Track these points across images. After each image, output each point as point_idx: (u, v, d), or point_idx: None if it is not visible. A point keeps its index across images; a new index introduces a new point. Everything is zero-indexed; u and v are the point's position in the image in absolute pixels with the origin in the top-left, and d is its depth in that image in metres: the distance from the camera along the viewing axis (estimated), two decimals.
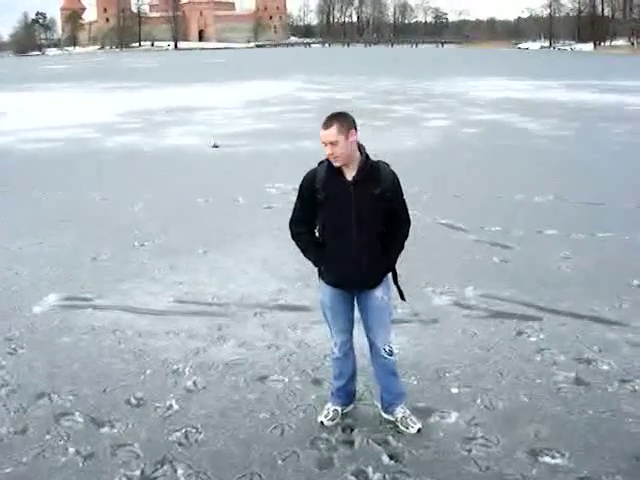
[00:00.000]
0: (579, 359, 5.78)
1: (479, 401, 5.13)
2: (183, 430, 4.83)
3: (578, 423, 4.83)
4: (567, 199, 11.46)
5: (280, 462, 4.45)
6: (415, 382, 5.41)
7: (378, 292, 4.65)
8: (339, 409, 4.95)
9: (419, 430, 4.74)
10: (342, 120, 4.36)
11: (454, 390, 5.30)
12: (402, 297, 4.84)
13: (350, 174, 4.47)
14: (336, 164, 4.44)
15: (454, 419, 4.90)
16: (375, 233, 4.54)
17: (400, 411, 4.85)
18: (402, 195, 4.60)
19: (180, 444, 4.67)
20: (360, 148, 4.50)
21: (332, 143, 4.34)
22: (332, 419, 4.89)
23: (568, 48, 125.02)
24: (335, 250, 4.59)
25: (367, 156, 4.50)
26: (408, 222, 4.69)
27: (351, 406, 5.03)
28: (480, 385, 5.36)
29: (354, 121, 4.42)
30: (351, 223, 4.48)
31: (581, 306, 6.88)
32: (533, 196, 11.61)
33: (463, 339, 6.19)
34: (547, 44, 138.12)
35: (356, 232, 4.48)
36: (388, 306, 4.74)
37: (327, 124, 4.36)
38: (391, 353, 4.78)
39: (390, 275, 4.73)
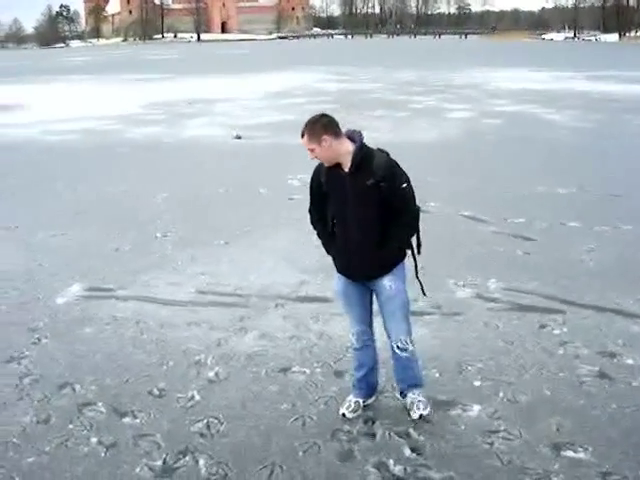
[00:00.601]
0: (602, 353, 5.72)
1: (501, 394, 5.10)
2: (205, 421, 4.84)
3: (601, 417, 4.79)
4: (590, 191, 11.36)
5: (301, 453, 4.45)
6: (437, 375, 5.39)
7: (386, 281, 4.65)
8: (360, 401, 4.94)
9: (420, 416, 4.76)
10: (311, 129, 4.45)
11: (476, 383, 5.27)
12: (423, 292, 4.84)
13: (346, 166, 4.51)
14: (325, 164, 4.60)
15: (476, 412, 4.88)
16: (371, 224, 4.55)
17: (410, 397, 4.87)
18: (402, 185, 4.48)
19: (201, 435, 4.68)
20: (354, 137, 4.51)
21: (309, 149, 4.50)
22: (353, 411, 4.88)
23: (593, 39, 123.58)
24: (339, 240, 4.72)
25: (362, 145, 4.49)
26: (410, 212, 4.56)
27: (372, 398, 5.02)
28: (502, 378, 5.32)
29: (327, 124, 4.45)
30: (347, 214, 4.58)
31: (605, 299, 6.82)
32: (556, 188, 11.53)
33: (485, 332, 6.15)
34: (571, 35, 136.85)
35: (353, 222, 4.57)
36: (398, 296, 4.68)
37: (301, 133, 4.51)
38: (404, 349, 4.75)
39: (404, 265, 4.70)
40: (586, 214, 9.88)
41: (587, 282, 7.32)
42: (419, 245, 4.73)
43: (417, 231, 4.67)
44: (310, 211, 4.93)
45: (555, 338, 6.00)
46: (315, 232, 4.95)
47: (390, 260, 4.65)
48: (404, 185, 4.49)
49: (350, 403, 4.92)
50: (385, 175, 4.44)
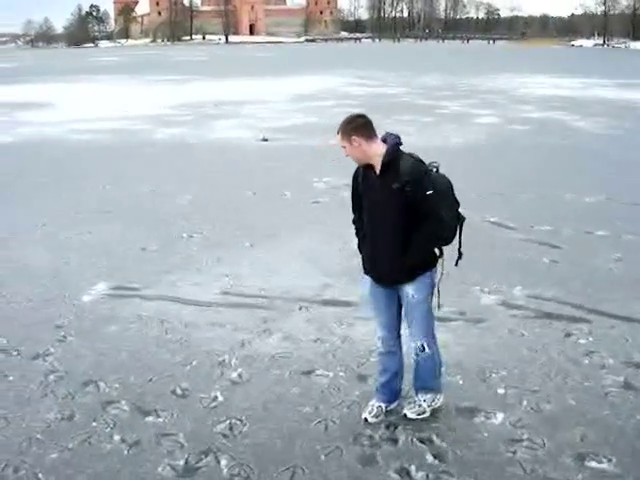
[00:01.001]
0: (628, 363, 5.67)
1: (525, 403, 5.07)
2: (227, 422, 4.85)
3: (626, 428, 4.74)
4: (618, 200, 11.26)
5: (323, 457, 4.45)
6: (460, 381, 5.37)
7: (409, 289, 4.66)
8: (383, 406, 4.93)
9: (405, 415, 4.82)
10: (344, 128, 4.56)
11: (500, 391, 5.24)
12: (438, 305, 4.80)
13: (377, 168, 4.57)
14: (356, 163, 4.73)
15: (500, 420, 4.85)
16: (396, 229, 4.56)
17: (416, 397, 4.92)
18: (427, 191, 4.41)
19: (224, 435, 4.70)
20: (387, 140, 4.56)
21: (342, 147, 4.62)
22: (376, 416, 4.87)
23: (622, 46, 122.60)
24: (367, 241, 4.81)
25: (392, 149, 4.52)
26: (435, 222, 4.48)
27: (395, 403, 5.00)
28: (526, 386, 5.29)
29: (360, 125, 4.54)
30: (376, 216, 4.66)
31: (631, 309, 6.75)
32: (583, 196, 11.44)
33: (510, 339, 6.12)
34: (601, 42, 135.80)
35: (379, 225, 4.64)
36: (419, 306, 4.68)
37: (337, 130, 4.61)
38: (422, 352, 4.76)
39: (432, 274, 4.69)
40: (613, 223, 9.79)
41: (614, 291, 7.26)
42: (459, 256, 4.73)
43: (444, 241, 4.62)
44: (352, 210, 5.02)
45: (580, 347, 5.96)
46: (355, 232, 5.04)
47: (413, 267, 4.62)
48: (430, 192, 4.41)
49: (373, 408, 4.92)
50: (410, 180, 4.42)
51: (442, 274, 4.75)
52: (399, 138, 4.60)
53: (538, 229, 9.50)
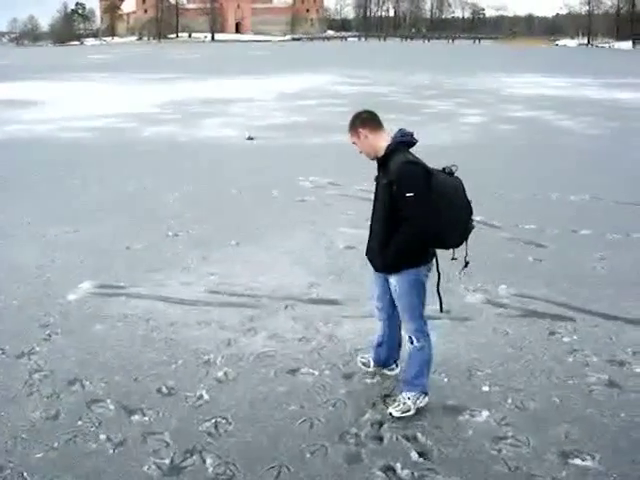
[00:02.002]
0: (612, 361, 5.71)
1: (510, 401, 5.10)
2: (213, 420, 4.85)
3: (610, 426, 4.78)
4: (603, 198, 11.32)
5: (308, 455, 4.46)
6: (446, 379, 5.39)
7: (393, 280, 4.87)
8: (371, 360, 5.45)
9: (390, 414, 4.88)
10: (352, 123, 4.83)
11: (485, 389, 5.27)
12: (441, 308, 5.04)
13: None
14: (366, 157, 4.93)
15: (484, 418, 4.88)
16: (384, 221, 4.79)
17: (401, 395, 4.98)
18: (407, 193, 4.52)
19: (209, 434, 4.70)
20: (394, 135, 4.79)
21: (353, 143, 4.88)
22: (363, 364, 5.49)
23: (606, 46, 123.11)
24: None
25: (392, 144, 4.72)
26: (411, 226, 4.59)
27: (379, 368, 5.44)
28: (511, 385, 5.32)
29: (366, 119, 4.80)
30: (374, 207, 4.96)
31: (615, 307, 6.80)
32: (569, 195, 11.50)
33: (495, 338, 6.15)
34: (585, 41, 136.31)
35: (373, 216, 4.96)
36: (403, 298, 4.87)
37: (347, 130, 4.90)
38: (411, 343, 4.96)
39: (416, 271, 4.78)
40: (598, 222, 9.85)
41: (598, 290, 7.31)
42: (466, 264, 4.86)
43: (415, 244, 4.67)
44: None
45: (565, 345, 5.99)
46: None
47: (393, 262, 4.76)
48: (410, 194, 4.50)
49: (365, 357, 5.51)
50: (394, 179, 4.57)
51: (440, 276, 4.87)
52: (408, 136, 4.75)
53: (523, 228, 9.55)
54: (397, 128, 4.89)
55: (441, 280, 4.91)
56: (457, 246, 4.78)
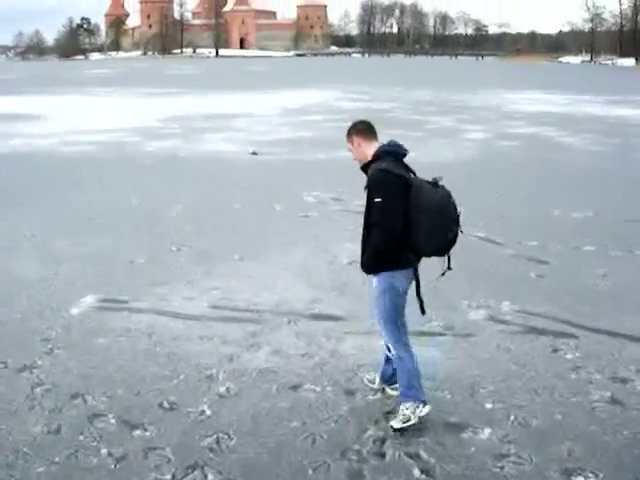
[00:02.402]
0: (615, 378, 5.70)
1: (512, 417, 5.08)
2: (214, 436, 4.84)
3: (612, 443, 4.76)
4: (605, 215, 11.33)
5: (310, 472, 4.44)
6: (448, 396, 5.37)
7: (374, 281, 4.99)
8: (377, 378, 5.46)
9: (392, 428, 4.90)
10: (349, 130, 5.07)
11: (488, 406, 5.25)
12: (422, 310, 4.97)
13: None
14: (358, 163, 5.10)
15: (487, 435, 4.86)
16: (367, 226, 4.94)
17: (400, 407, 5.01)
18: (375, 198, 4.72)
19: (211, 450, 4.68)
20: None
21: (349, 150, 5.12)
22: (369, 381, 5.51)
23: (609, 63, 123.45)
24: None
25: (376, 153, 4.88)
26: (378, 232, 4.76)
27: (384, 386, 5.41)
28: (514, 401, 5.30)
29: (361, 128, 5.03)
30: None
31: (618, 324, 6.78)
32: (571, 211, 11.50)
33: (498, 354, 6.14)
34: (588, 58, 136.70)
35: (363, 221, 5.02)
36: (379, 299, 4.96)
37: None
38: (389, 351, 5.09)
39: (393, 274, 4.87)
40: (600, 239, 9.85)
41: (600, 307, 7.30)
42: (446, 270, 4.96)
43: (382, 249, 4.79)
44: None
45: (567, 362, 5.98)
46: None
47: (368, 262, 4.93)
48: (378, 199, 4.70)
49: (371, 373, 5.56)
50: (367, 185, 4.83)
51: (417, 281, 4.92)
52: (396, 146, 4.88)
53: (526, 244, 9.55)
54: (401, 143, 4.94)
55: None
56: (440, 255, 4.89)
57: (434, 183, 4.71)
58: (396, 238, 4.69)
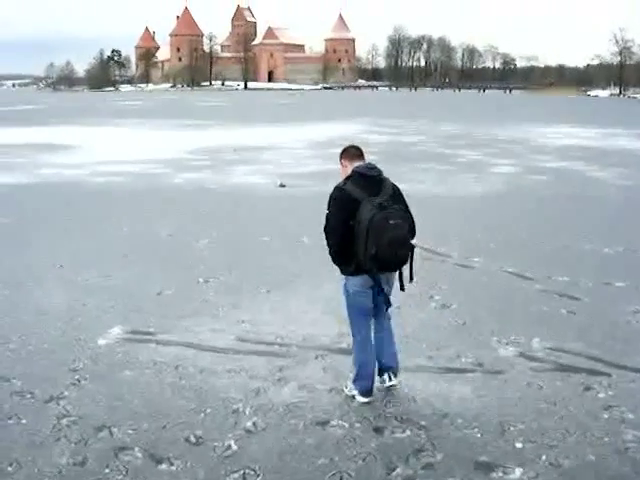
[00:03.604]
0: None
1: (544, 457, 4.98)
2: (241, 472, 4.79)
3: None
4: (637, 250, 11.19)
5: None
6: (478, 435, 5.28)
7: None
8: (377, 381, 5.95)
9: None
10: (340, 153, 5.90)
11: (518, 445, 5.15)
12: (402, 287, 5.69)
13: None
14: None
15: (518, 475, 4.76)
16: None
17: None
18: (327, 209, 5.60)
19: None
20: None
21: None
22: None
23: (638, 96, 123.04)
24: None
25: (349, 174, 5.63)
26: (325, 236, 5.67)
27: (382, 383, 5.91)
28: (545, 441, 5.20)
29: (349, 152, 5.82)
30: None
31: None
32: (602, 247, 11.38)
33: (528, 392, 6.03)
34: (617, 92, 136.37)
35: None
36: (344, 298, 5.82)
37: None
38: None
39: (348, 280, 5.67)
40: (633, 274, 9.71)
41: (633, 344, 7.16)
42: (411, 277, 5.60)
43: (331, 256, 5.63)
44: None
45: (600, 401, 5.86)
46: None
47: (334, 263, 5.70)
48: (327, 211, 5.59)
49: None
50: None
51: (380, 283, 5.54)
52: (365, 169, 5.54)
53: (556, 280, 9.43)
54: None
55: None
56: (389, 271, 5.55)
57: (380, 205, 5.26)
58: (335, 247, 5.51)
